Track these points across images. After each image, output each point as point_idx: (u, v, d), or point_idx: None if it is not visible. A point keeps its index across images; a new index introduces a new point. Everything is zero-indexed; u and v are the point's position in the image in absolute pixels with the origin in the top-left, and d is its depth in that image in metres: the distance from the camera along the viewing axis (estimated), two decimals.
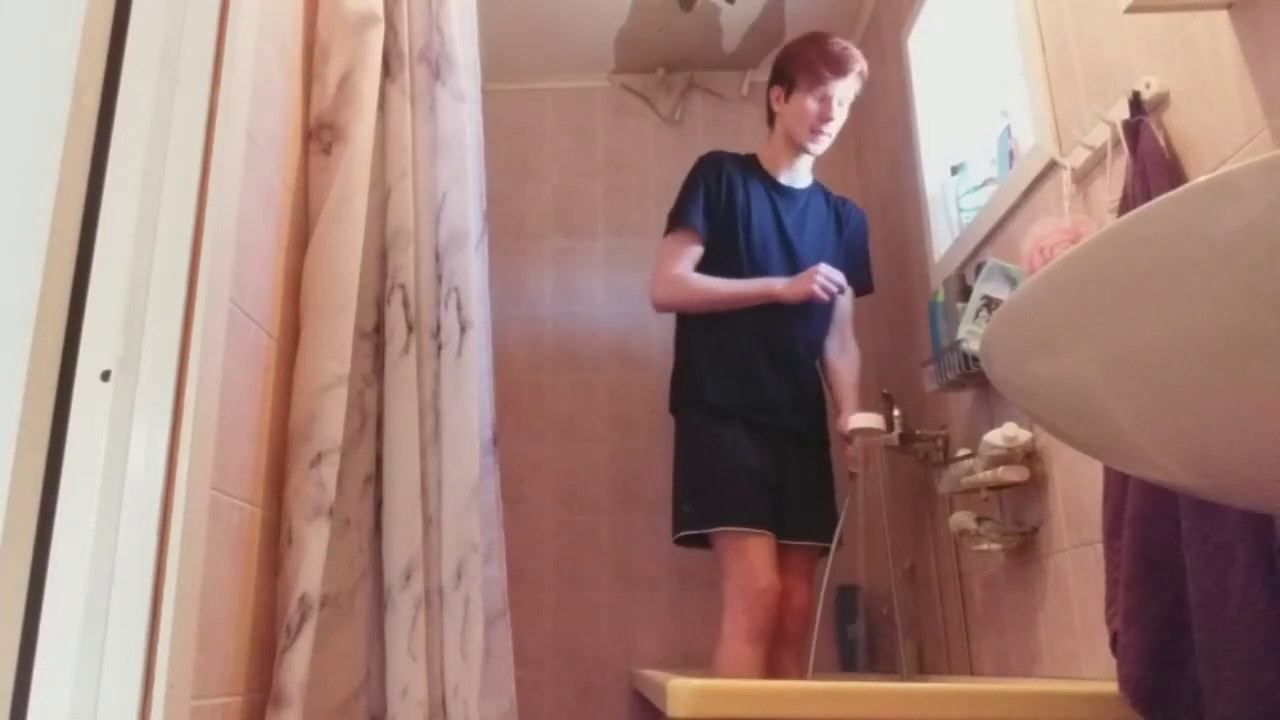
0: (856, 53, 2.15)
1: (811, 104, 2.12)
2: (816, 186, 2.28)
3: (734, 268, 2.09)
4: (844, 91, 2.13)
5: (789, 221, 2.17)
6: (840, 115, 2.14)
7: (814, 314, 2.13)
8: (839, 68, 2.12)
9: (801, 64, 2.15)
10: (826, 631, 2.71)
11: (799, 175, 2.23)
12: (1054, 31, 1.65)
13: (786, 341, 2.09)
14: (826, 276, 2.01)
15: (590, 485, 2.89)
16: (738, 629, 1.87)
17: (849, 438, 2.07)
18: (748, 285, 2.07)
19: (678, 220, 2.16)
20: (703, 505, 1.96)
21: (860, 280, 2.29)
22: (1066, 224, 1.40)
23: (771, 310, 2.06)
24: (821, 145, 2.17)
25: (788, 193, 2.21)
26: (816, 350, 2.17)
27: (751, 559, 1.89)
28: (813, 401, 2.12)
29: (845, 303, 2.25)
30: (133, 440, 0.96)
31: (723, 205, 2.14)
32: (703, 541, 1.98)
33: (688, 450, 2.05)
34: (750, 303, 2.05)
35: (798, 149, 2.18)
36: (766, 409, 2.03)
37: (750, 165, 2.23)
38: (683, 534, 2.00)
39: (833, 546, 2.03)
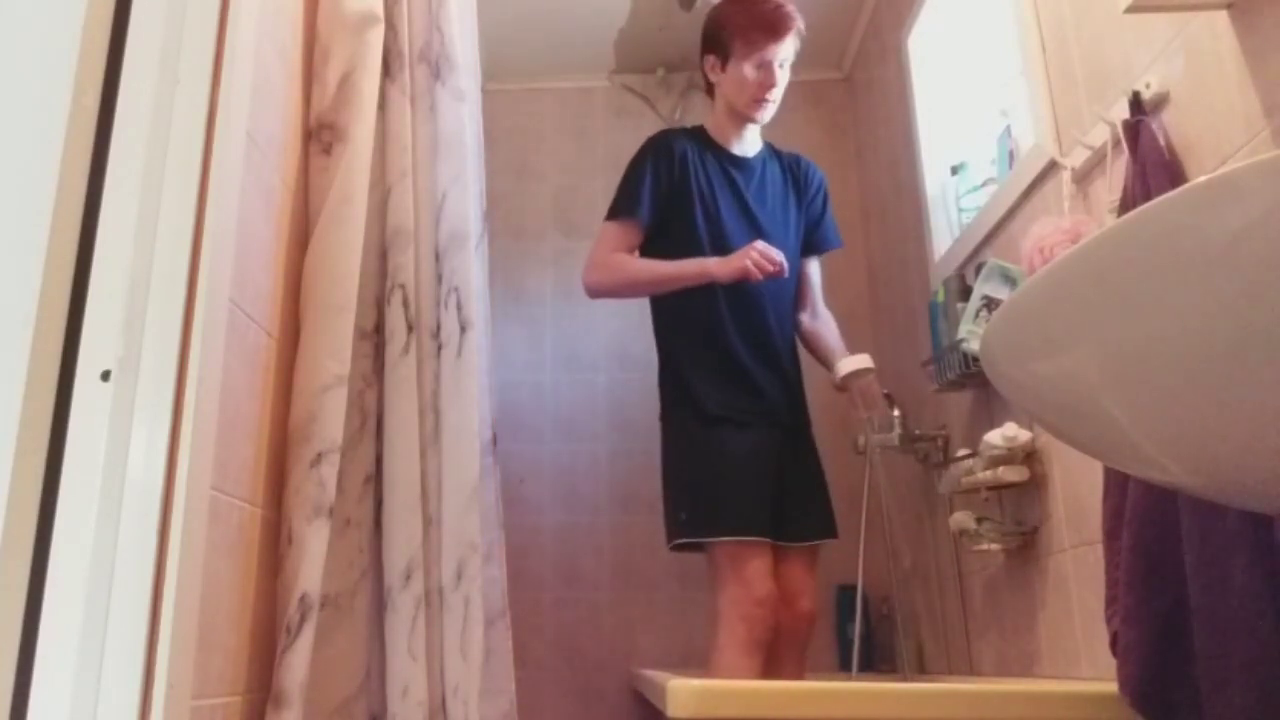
0: (791, 9, 2.01)
1: (750, 71, 1.99)
2: (768, 149, 2.16)
3: (695, 251, 1.99)
4: (784, 53, 2.01)
5: (750, 194, 2.07)
6: (783, 79, 2.03)
7: (781, 295, 2.04)
8: (775, 31, 1.98)
9: (735, 29, 2.01)
10: (826, 631, 2.71)
11: (749, 143, 2.12)
12: (1054, 31, 1.65)
13: (764, 331, 2.00)
14: (761, 254, 1.89)
15: (590, 485, 2.89)
16: (734, 639, 1.81)
17: (843, 386, 2.00)
18: (683, 266, 1.96)
19: (619, 209, 2.03)
20: (700, 513, 1.89)
21: (829, 239, 2.17)
22: (1066, 224, 1.40)
23: (745, 301, 1.98)
24: (767, 113, 2.05)
25: (742, 163, 2.09)
26: (789, 332, 2.08)
27: (748, 568, 1.83)
28: (797, 390, 2.05)
29: (814, 272, 2.16)
30: (133, 440, 0.96)
31: (675, 189, 2.02)
32: (700, 546, 1.95)
33: (683, 455, 1.97)
34: (686, 284, 1.96)
35: (742, 119, 2.06)
36: (760, 408, 1.96)
37: (702, 140, 2.10)
38: (676, 542, 1.95)
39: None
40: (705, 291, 1.97)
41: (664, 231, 2.03)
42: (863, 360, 1.97)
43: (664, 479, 2.00)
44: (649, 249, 2.05)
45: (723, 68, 2.05)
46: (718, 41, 2.06)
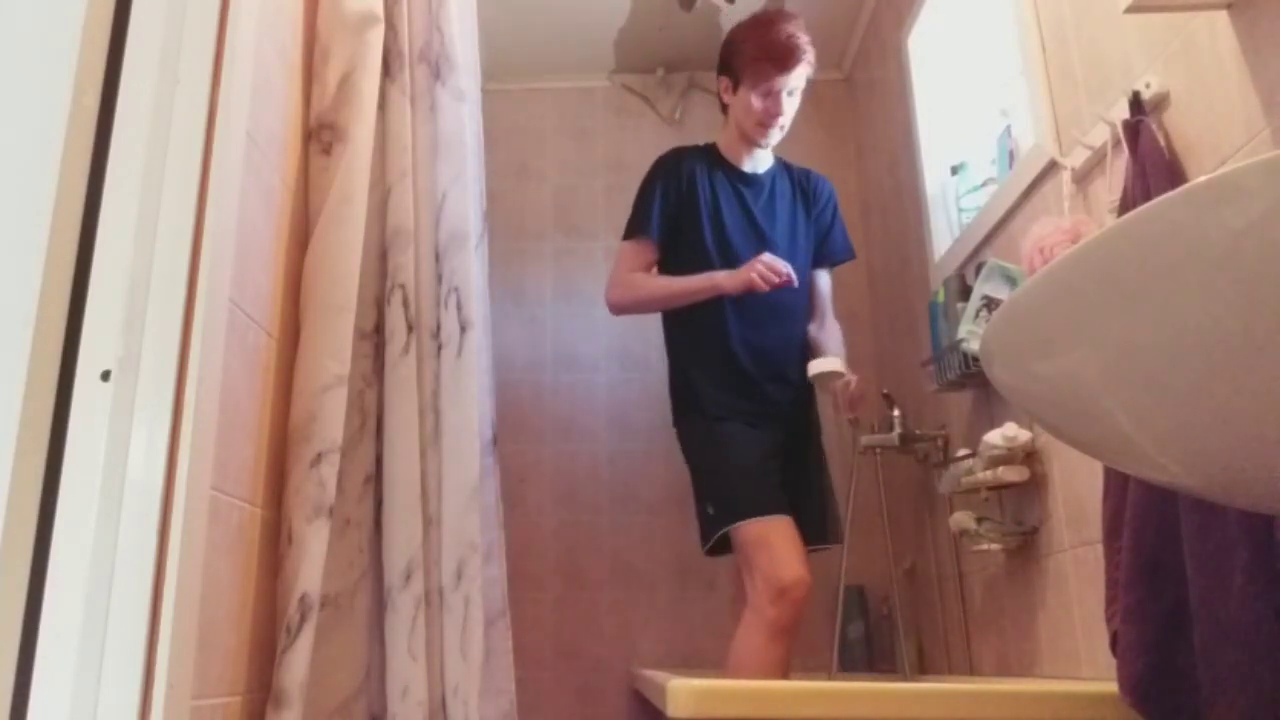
0: (802, 40, 2.03)
1: (756, 101, 2.05)
2: (779, 165, 2.22)
3: (705, 265, 2.06)
4: (793, 83, 2.05)
5: (758, 211, 2.13)
6: (791, 106, 2.08)
7: (790, 307, 2.10)
8: (783, 63, 2.02)
9: (744, 59, 2.06)
10: (827, 631, 2.71)
11: (760, 160, 2.18)
12: (1054, 31, 1.65)
13: (768, 341, 2.06)
14: (767, 266, 1.95)
15: (590, 485, 2.89)
16: (762, 622, 1.81)
17: (822, 389, 2.03)
18: (694, 281, 2.04)
19: (634, 229, 2.13)
20: (725, 501, 1.92)
21: (838, 250, 2.23)
22: (1066, 224, 1.40)
23: (751, 312, 2.04)
24: (772, 139, 2.12)
25: (752, 180, 2.16)
26: (797, 343, 2.13)
27: (778, 549, 1.83)
28: (802, 397, 2.10)
29: (823, 283, 2.21)
30: (133, 440, 0.96)
31: (685, 206, 2.11)
32: (731, 547, 1.95)
33: (699, 453, 2.02)
34: (698, 298, 2.03)
35: (750, 142, 2.14)
36: (761, 411, 2.02)
37: (713, 157, 2.18)
38: (713, 539, 1.94)
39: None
40: (713, 302, 2.04)
41: (675, 247, 2.12)
42: (830, 363, 2.00)
43: (692, 482, 2.04)
44: (663, 264, 2.13)
45: (733, 91, 2.13)
46: (729, 66, 2.12)
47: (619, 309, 2.15)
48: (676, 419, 2.10)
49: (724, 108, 2.19)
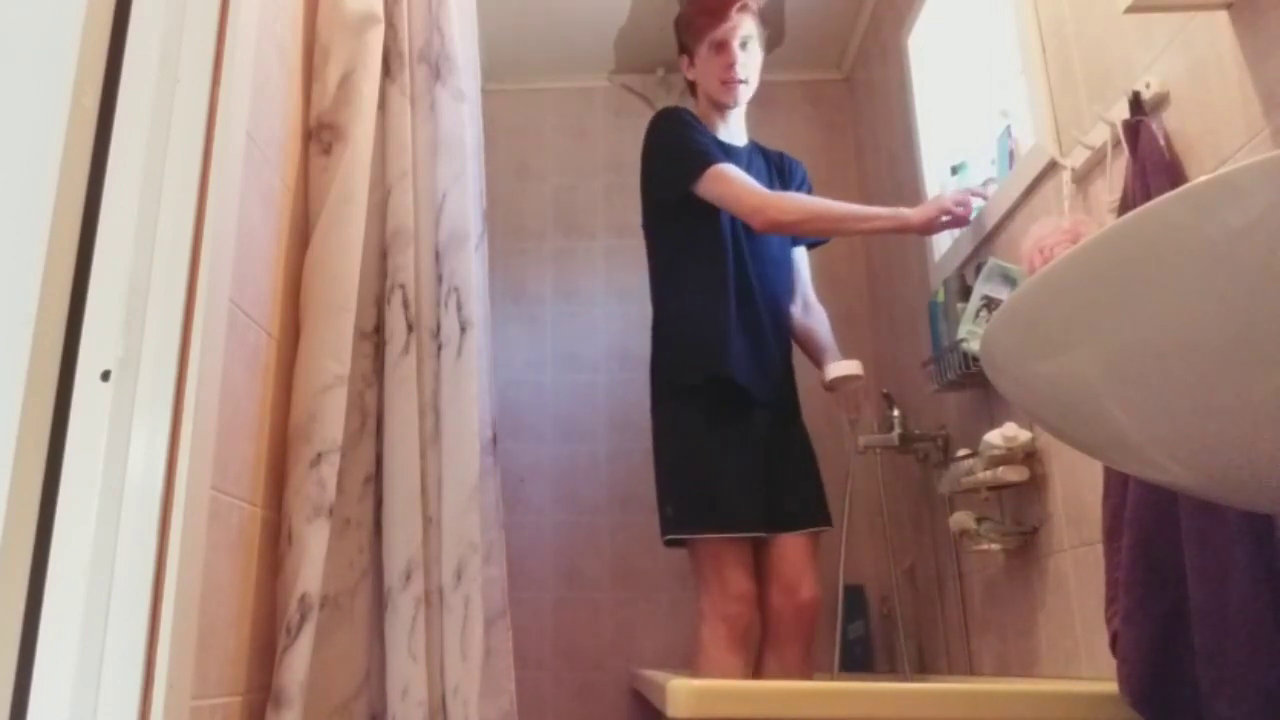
0: None
1: (709, 56, 2.07)
2: (754, 145, 2.19)
3: (716, 226, 1.98)
4: (742, 31, 2.06)
5: None
6: (746, 56, 2.07)
7: (779, 283, 2.07)
8: (720, 12, 2.07)
9: (685, 25, 2.14)
10: (827, 631, 2.71)
11: (735, 134, 2.14)
12: (1054, 31, 1.65)
13: (762, 319, 2.00)
14: (957, 200, 1.89)
15: (590, 485, 2.89)
16: (717, 638, 1.81)
17: (830, 388, 2.02)
18: (876, 210, 1.96)
19: (709, 157, 1.97)
20: (686, 508, 1.87)
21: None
22: (1066, 224, 1.40)
23: (747, 290, 1.98)
24: (740, 95, 2.08)
25: (731, 150, 2.10)
26: (784, 322, 2.09)
27: (726, 567, 1.82)
28: (788, 377, 2.05)
29: (801, 264, 2.19)
30: (133, 440, 0.96)
31: None
32: (684, 541, 1.93)
33: (674, 448, 1.94)
34: (878, 226, 1.97)
35: (722, 108, 2.11)
36: (751, 394, 1.94)
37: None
38: (669, 538, 1.92)
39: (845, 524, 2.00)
40: (713, 277, 1.97)
41: (682, 214, 2.01)
42: (852, 367, 1.99)
43: (655, 469, 1.98)
44: (673, 220, 2.02)
45: (692, 63, 2.14)
46: (681, 41, 2.17)
47: (782, 225, 1.94)
48: (656, 403, 2.00)
49: (692, 90, 2.19)
